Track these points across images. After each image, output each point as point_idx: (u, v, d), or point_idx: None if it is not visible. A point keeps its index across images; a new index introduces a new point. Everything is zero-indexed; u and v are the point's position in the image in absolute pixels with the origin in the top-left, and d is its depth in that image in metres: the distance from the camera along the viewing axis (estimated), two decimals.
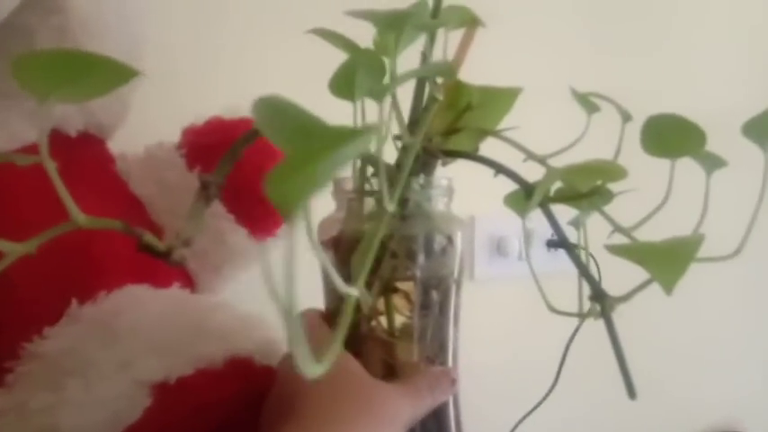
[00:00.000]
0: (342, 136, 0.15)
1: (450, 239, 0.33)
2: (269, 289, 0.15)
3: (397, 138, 0.33)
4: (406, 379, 0.33)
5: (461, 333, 0.36)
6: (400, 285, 0.34)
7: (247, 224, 0.45)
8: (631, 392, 0.26)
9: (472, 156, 0.32)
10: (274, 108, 0.18)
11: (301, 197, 0.14)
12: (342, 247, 0.34)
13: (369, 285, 0.33)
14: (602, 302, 0.29)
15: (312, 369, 0.17)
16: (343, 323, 0.20)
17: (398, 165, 0.33)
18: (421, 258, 0.33)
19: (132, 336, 0.33)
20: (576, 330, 0.75)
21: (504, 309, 0.88)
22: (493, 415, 0.68)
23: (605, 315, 0.29)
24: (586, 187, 0.28)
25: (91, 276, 0.37)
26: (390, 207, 0.26)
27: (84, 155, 0.41)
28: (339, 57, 0.26)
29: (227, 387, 0.32)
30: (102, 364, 0.31)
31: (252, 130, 0.32)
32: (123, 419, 0.30)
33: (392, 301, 0.33)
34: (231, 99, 0.46)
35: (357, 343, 0.34)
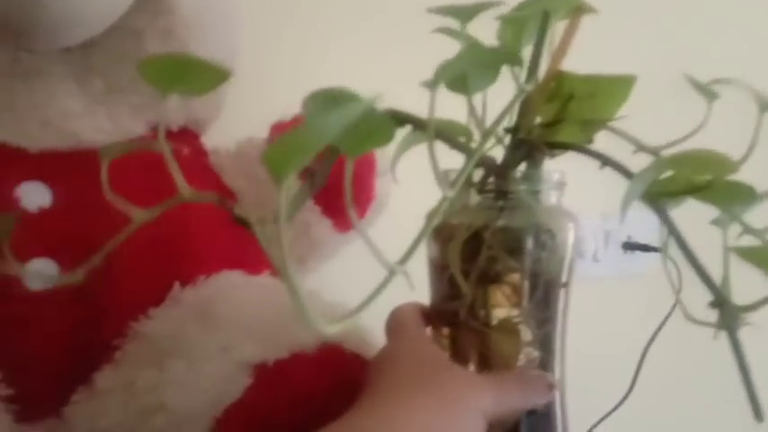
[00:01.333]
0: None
1: (551, 234, 0.33)
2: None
3: (506, 131, 0.33)
4: (497, 373, 0.32)
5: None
6: (508, 279, 0.33)
7: (332, 216, 0.46)
8: (758, 413, 0.25)
9: (576, 147, 0.31)
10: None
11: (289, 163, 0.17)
12: (442, 238, 0.34)
13: (466, 275, 0.33)
14: (723, 311, 0.27)
15: (316, 325, 0.20)
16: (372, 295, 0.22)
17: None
18: (520, 252, 0.32)
19: (230, 322, 0.34)
20: (655, 335, 0.72)
21: (577, 311, 0.86)
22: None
23: (728, 325, 0.27)
24: (697, 180, 0.27)
25: (191, 262, 0.39)
26: (449, 193, 0.26)
27: (184, 148, 0.43)
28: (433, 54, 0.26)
29: (319, 370, 0.33)
30: (204, 347, 0.33)
31: None
32: (225, 399, 0.31)
33: (491, 292, 0.33)
34: None
35: (455, 330, 0.34)
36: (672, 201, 0.31)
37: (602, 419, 0.77)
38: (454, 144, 0.29)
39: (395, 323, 0.34)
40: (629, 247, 0.90)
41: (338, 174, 0.46)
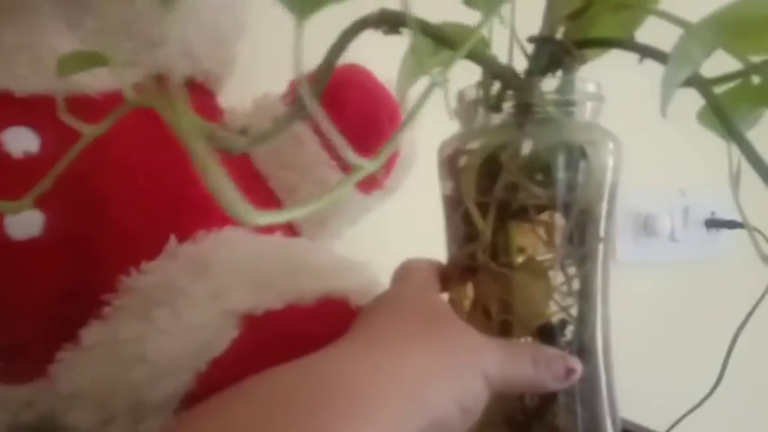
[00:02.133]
0: None
1: (584, 154, 0.27)
2: None
3: (530, 40, 0.28)
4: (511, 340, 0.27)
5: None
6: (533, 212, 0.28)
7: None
8: None
9: (609, 42, 0.26)
10: None
11: None
12: (455, 168, 0.29)
13: (484, 209, 0.28)
14: None
15: (243, 214, 0.16)
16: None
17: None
18: (546, 177, 0.27)
19: (224, 269, 0.31)
20: (744, 323, 0.63)
21: (651, 297, 0.77)
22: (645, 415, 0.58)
23: None
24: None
25: (193, 216, 0.36)
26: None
27: (192, 103, 0.41)
28: None
29: (317, 323, 0.29)
30: (192, 295, 0.29)
31: (342, 37, 0.28)
32: (211, 349, 0.28)
33: (513, 228, 0.28)
34: None
35: (474, 281, 0.29)
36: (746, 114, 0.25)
37: (684, 416, 0.68)
38: (441, 40, 0.25)
39: (403, 271, 0.29)
40: (714, 224, 0.80)
41: (356, 128, 0.43)
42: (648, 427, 0.33)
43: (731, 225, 0.77)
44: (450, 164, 0.29)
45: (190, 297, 0.29)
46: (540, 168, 0.27)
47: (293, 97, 0.43)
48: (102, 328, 0.31)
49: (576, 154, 0.27)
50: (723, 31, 0.21)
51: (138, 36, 0.35)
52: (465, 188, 0.28)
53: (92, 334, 0.31)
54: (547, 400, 0.28)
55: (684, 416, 0.67)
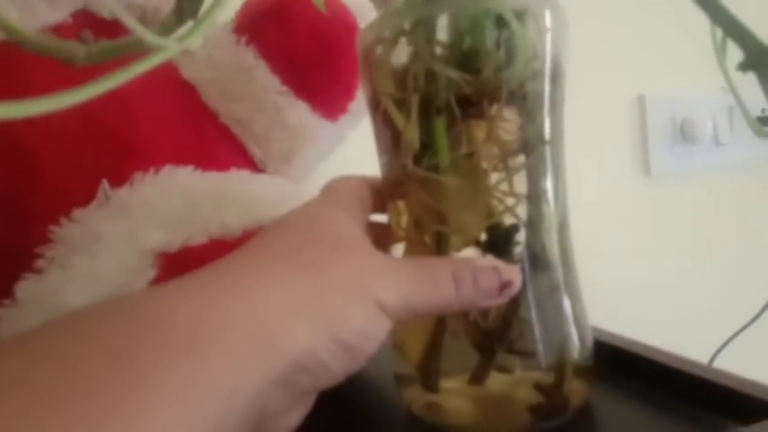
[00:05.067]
0: None
1: (503, 25, 0.22)
2: None
3: None
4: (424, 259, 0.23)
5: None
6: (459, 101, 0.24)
7: (308, 98, 0.38)
8: None
9: None
10: None
11: None
12: (372, 58, 0.25)
13: (403, 105, 0.24)
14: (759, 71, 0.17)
15: None
16: None
17: None
18: (465, 55, 0.23)
19: (144, 208, 0.29)
20: None
21: (693, 210, 0.70)
22: (693, 336, 0.53)
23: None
24: None
25: (130, 160, 0.34)
26: None
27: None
28: None
29: None
30: (108, 238, 0.28)
31: None
32: (128, 291, 0.26)
33: (440, 124, 0.24)
34: None
35: (402, 192, 0.25)
36: None
37: (731, 339, 0.62)
38: None
39: (325, 190, 0.26)
40: (766, 122, 0.71)
41: (308, 47, 0.39)
42: (623, 335, 0.29)
43: None
44: (368, 57, 0.25)
45: (105, 241, 0.27)
46: (460, 52, 0.23)
47: (236, 23, 0.39)
48: (35, 282, 0.30)
49: (498, 25, 0.22)
50: None
51: None
52: (380, 83, 0.24)
53: (25, 288, 0.30)
54: (506, 319, 0.25)
55: (726, 343, 0.61)
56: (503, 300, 0.22)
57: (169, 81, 0.39)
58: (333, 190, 0.25)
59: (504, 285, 0.22)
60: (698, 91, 0.67)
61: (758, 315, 0.60)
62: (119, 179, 0.33)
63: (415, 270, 0.21)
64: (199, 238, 0.27)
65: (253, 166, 0.40)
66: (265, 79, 0.38)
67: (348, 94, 0.40)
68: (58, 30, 0.35)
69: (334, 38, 0.38)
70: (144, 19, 0.39)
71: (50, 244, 0.31)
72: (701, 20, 0.18)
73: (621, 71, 0.65)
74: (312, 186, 0.34)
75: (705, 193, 0.69)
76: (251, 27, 0.38)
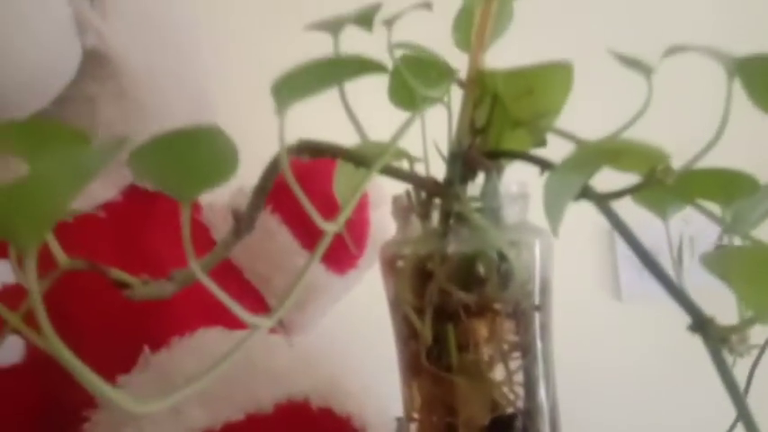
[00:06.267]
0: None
1: (503, 257, 0.28)
2: None
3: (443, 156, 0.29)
4: None
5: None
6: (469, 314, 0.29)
7: (323, 259, 0.43)
8: None
9: (514, 154, 0.27)
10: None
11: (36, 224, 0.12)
12: (394, 272, 0.30)
13: (421, 313, 0.29)
14: (703, 334, 0.22)
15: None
16: None
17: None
18: (471, 281, 0.28)
19: (186, 383, 0.33)
20: (757, 361, 0.61)
21: (661, 334, 0.75)
22: None
23: (710, 348, 0.21)
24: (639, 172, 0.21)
25: (164, 323, 0.38)
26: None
27: (166, 206, 0.43)
28: None
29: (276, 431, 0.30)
30: (156, 414, 0.31)
31: (274, 160, 0.30)
32: None
33: (451, 330, 0.29)
34: None
35: (417, 374, 0.30)
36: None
37: None
38: (360, 162, 0.26)
39: None
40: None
41: (323, 214, 0.45)
42: None
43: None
44: (390, 266, 0.31)
45: (152, 417, 0.31)
46: (466, 273, 0.28)
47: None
48: None
49: (498, 257, 0.28)
50: (605, 152, 0.22)
51: None
52: (400, 292, 0.29)
53: None
54: None
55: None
56: None
57: (201, 242, 0.44)
58: None
59: None
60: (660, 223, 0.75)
61: None
62: (157, 344, 0.37)
63: None
64: (237, 415, 0.31)
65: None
66: (286, 243, 0.43)
67: (357, 254, 0.45)
68: (108, 207, 0.39)
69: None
70: None
71: (95, 409, 0.34)
72: None
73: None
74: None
75: (672, 317, 0.75)
76: (275, 197, 0.44)
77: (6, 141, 0.23)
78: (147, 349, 0.36)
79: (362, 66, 0.21)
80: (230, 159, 0.20)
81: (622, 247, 0.74)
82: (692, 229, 0.77)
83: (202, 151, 0.20)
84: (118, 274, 0.24)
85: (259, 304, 0.44)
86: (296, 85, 0.20)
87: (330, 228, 0.22)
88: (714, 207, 0.25)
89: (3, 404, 0.33)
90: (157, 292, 0.25)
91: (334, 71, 0.22)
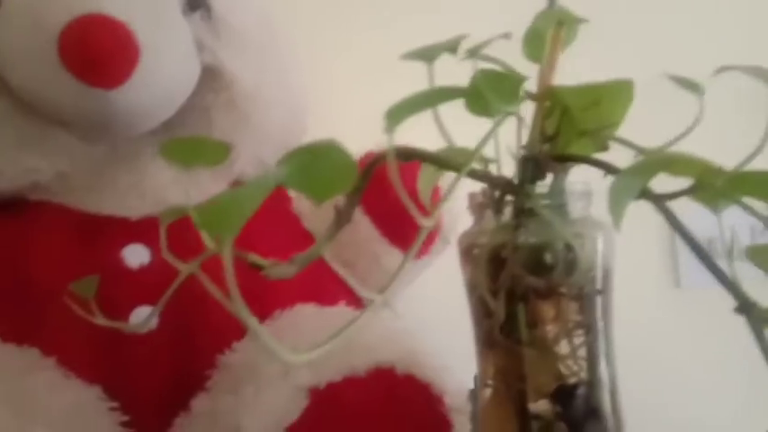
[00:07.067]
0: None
1: (569, 247, 0.32)
2: None
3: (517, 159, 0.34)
4: None
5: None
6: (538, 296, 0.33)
7: (400, 245, 0.49)
8: None
9: (579, 158, 0.31)
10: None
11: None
12: (471, 259, 0.35)
13: (495, 294, 0.34)
14: (748, 316, 0.25)
15: (280, 356, 0.20)
16: None
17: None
18: (539, 268, 0.32)
19: (326, 341, 0.39)
20: None
21: (722, 321, 0.77)
22: None
23: (754, 328, 0.25)
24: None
25: (269, 299, 0.44)
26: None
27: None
28: None
29: (369, 392, 0.36)
30: (269, 374, 0.37)
31: (375, 158, 0.35)
32: (286, 419, 0.35)
33: (522, 310, 0.33)
34: None
35: (492, 348, 0.35)
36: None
37: None
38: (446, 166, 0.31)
39: None
40: None
41: (400, 202, 0.50)
42: None
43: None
44: (467, 254, 0.35)
45: (267, 377, 0.37)
46: (536, 261, 0.33)
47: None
48: (207, 399, 0.40)
49: (564, 248, 0.32)
50: (662, 160, 0.26)
51: None
52: (477, 277, 0.34)
53: (199, 404, 0.40)
54: None
55: None
56: None
57: (293, 230, 0.50)
58: None
59: None
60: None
61: None
62: (263, 314, 0.43)
63: None
64: (336, 377, 0.37)
65: (353, 296, 0.50)
66: (368, 230, 0.48)
67: (430, 241, 0.50)
68: None
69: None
70: None
71: (216, 368, 0.41)
72: None
73: None
74: None
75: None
76: None
77: (170, 153, 0.29)
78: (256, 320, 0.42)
79: (457, 93, 0.26)
80: (350, 169, 0.25)
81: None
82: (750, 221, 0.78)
83: (330, 162, 0.25)
84: (254, 257, 0.30)
85: (341, 286, 0.49)
86: (403, 110, 0.25)
87: (428, 223, 0.26)
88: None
89: (141, 366, 0.40)
90: (284, 272, 0.30)
91: (434, 98, 0.26)
